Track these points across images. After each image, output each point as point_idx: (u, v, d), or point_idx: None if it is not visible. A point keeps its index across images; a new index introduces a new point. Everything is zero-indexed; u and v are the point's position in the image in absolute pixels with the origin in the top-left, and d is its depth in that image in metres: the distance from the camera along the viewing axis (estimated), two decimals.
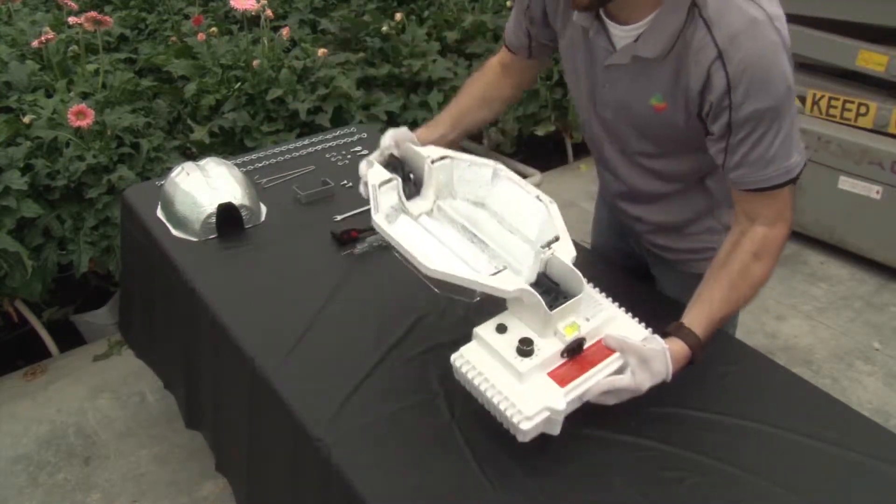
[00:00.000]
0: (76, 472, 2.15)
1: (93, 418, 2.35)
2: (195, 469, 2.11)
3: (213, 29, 3.08)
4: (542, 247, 1.12)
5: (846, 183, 2.90)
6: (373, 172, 1.22)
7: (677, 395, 1.16)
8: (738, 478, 1.02)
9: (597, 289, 1.16)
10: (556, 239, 1.13)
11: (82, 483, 2.12)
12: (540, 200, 1.20)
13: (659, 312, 1.37)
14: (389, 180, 1.20)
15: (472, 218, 1.24)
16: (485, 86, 1.51)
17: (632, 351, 1.07)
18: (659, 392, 1.16)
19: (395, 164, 1.27)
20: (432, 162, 1.25)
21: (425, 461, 1.07)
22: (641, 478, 1.03)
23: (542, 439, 1.07)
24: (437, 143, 1.37)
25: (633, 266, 1.60)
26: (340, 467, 1.06)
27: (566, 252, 1.12)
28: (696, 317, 1.15)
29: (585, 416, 1.12)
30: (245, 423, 1.36)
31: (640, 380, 1.06)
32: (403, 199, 1.20)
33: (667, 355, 1.07)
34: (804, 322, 2.74)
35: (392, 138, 1.32)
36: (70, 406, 2.40)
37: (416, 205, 1.23)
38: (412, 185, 1.27)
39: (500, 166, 1.26)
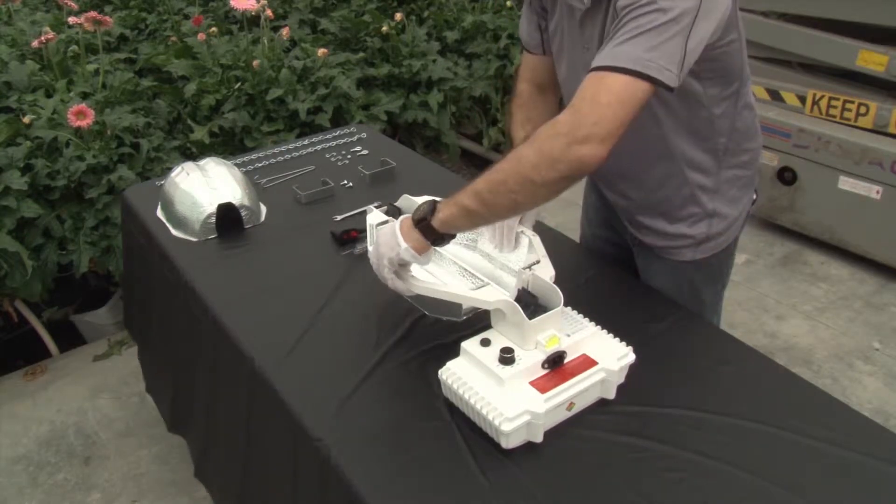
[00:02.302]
0: (76, 472, 2.15)
1: (93, 418, 2.35)
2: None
3: (213, 29, 3.08)
4: (524, 268, 1.22)
5: (846, 183, 2.90)
6: (372, 215, 1.36)
7: (677, 395, 1.16)
8: (738, 478, 1.02)
9: (575, 311, 1.21)
10: (538, 262, 1.24)
11: (82, 483, 2.12)
12: (524, 234, 1.31)
13: (642, 302, 1.39)
14: (385, 222, 1.33)
15: (465, 258, 1.36)
16: (530, 119, 1.47)
17: None
18: (659, 392, 1.17)
19: (393, 211, 1.38)
20: None
21: (425, 461, 1.07)
22: (641, 478, 1.03)
23: (542, 441, 1.07)
24: None
25: (621, 256, 1.61)
26: (340, 467, 1.06)
27: (546, 271, 1.22)
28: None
29: (585, 417, 1.12)
30: (243, 423, 1.35)
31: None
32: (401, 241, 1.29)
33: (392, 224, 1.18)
34: (804, 322, 2.74)
35: None
36: (70, 406, 2.40)
37: None
38: None
39: None
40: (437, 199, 1.17)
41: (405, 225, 1.17)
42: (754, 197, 1.49)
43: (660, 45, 1.04)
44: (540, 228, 1.49)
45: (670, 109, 1.28)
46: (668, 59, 1.05)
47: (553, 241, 1.44)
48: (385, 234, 1.19)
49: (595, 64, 1.06)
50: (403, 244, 1.15)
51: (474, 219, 1.13)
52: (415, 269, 1.25)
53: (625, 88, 1.03)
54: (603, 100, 1.04)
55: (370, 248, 1.33)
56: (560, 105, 1.50)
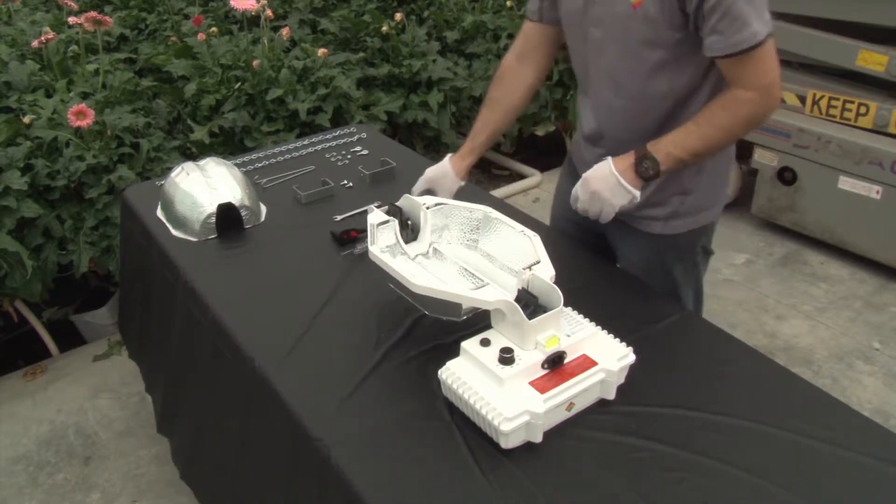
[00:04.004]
0: (76, 472, 2.15)
1: (93, 418, 2.35)
2: None
3: (213, 29, 3.08)
4: (524, 268, 1.22)
5: (846, 183, 2.90)
6: (372, 215, 1.36)
7: (677, 395, 1.16)
8: (738, 478, 1.02)
9: (575, 311, 1.22)
10: (538, 262, 1.25)
11: (82, 483, 2.12)
12: (525, 235, 1.32)
13: (642, 302, 1.40)
14: (386, 221, 1.34)
15: (466, 258, 1.35)
16: (504, 94, 1.63)
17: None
18: (659, 392, 1.17)
19: (394, 211, 1.39)
20: (427, 208, 1.38)
21: (425, 461, 1.07)
22: (641, 478, 1.03)
23: (542, 441, 1.07)
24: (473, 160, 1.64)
25: (590, 241, 1.66)
26: (340, 467, 1.06)
27: (546, 272, 1.22)
28: (655, 141, 1.35)
29: (585, 417, 1.12)
30: (240, 423, 1.35)
31: (585, 178, 1.38)
32: (401, 241, 1.31)
33: (608, 160, 1.36)
34: (804, 322, 2.74)
35: (428, 181, 1.61)
36: (70, 406, 2.40)
37: (413, 247, 1.36)
38: (409, 231, 1.40)
39: (490, 209, 1.39)
40: (650, 151, 1.34)
41: (627, 176, 1.35)
42: (729, 193, 1.60)
43: (758, 8, 1.24)
44: (540, 228, 1.49)
45: (699, 80, 1.38)
46: (765, 12, 1.26)
47: (553, 241, 1.44)
48: (611, 186, 1.35)
49: (730, 50, 1.26)
50: (637, 192, 1.35)
51: (682, 161, 1.36)
52: (416, 269, 1.25)
53: (763, 63, 1.29)
54: (764, 76, 1.30)
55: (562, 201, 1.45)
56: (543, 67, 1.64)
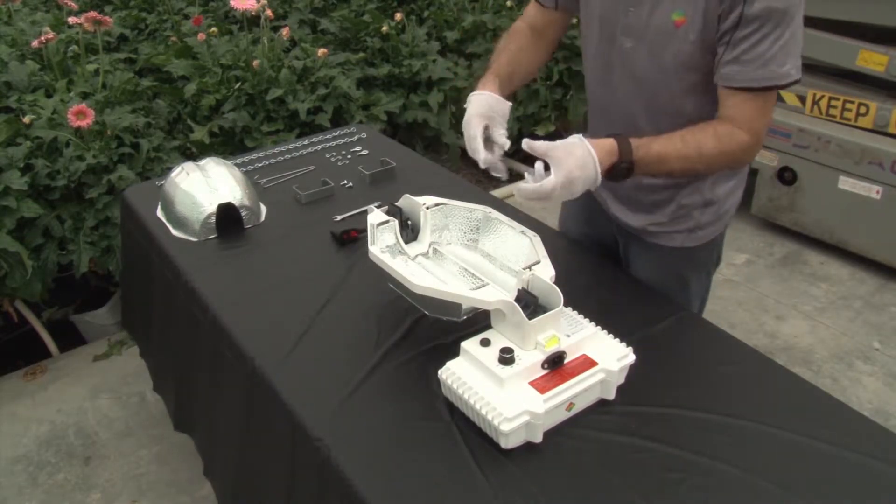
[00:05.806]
0: (76, 472, 2.15)
1: (93, 418, 2.35)
2: (195, 469, 2.10)
3: (213, 29, 3.08)
4: (524, 268, 1.22)
5: (846, 183, 2.90)
6: (372, 215, 1.36)
7: (677, 395, 1.16)
8: (738, 478, 1.02)
9: (575, 311, 1.21)
10: (538, 262, 1.25)
11: (82, 483, 2.12)
12: (525, 235, 1.31)
13: (642, 302, 1.39)
14: (386, 221, 1.34)
15: (466, 258, 1.35)
16: (521, 49, 1.52)
17: (555, 147, 1.17)
18: (659, 392, 1.17)
19: (394, 211, 1.38)
20: (427, 208, 1.38)
21: (425, 462, 1.07)
22: (641, 478, 1.03)
23: (542, 441, 1.07)
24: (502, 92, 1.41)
25: (601, 253, 1.64)
26: (340, 467, 1.06)
27: (546, 271, 1.22)
28: (638, 146, 1.23)
29: (585, 417, 1.12)
30: (240, 423, 1.35)
31: (561, 173, 1.16)
32: (401, 241, 1.30)
33: (585, 143, 1.18)
34: (804, 322, 2.74)
35: (482, 115, 1.37)
36: (70, 406, 2.40)
37: (413, 247, 1.34)
38: (409, 231, 1.39)
39: (490, 209, 1.39)
40: (630, 140, 1.23)
41: (603, 166, 1.20)
42: (740, 194, 1.55)
43: (794, 49, 1.19)
44: (540, 228, 1.49)
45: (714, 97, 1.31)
46: (798, 58, 1.21)
47: (553, 241, 1.44)
48: (586, 167, 1.18)
49: (746, 83, 1.21)
50: (601, 179, 1.21)
51: (652, 174, 1.30)
52: (416, 269, 1.25)
53: (767, 108, 1.25)
54: (760, 120, 1.25)
55: (543, 183, 1.18)
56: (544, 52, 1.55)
